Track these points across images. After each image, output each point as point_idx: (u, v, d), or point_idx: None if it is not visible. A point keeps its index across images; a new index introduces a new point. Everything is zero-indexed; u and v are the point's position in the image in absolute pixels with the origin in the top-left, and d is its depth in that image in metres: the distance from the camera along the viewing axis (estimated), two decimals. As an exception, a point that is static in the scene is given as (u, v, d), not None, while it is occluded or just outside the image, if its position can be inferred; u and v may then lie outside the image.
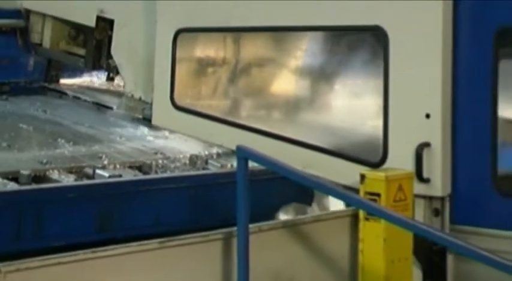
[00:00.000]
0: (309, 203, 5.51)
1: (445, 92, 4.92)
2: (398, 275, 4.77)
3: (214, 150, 5.69)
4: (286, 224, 4.85)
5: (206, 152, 5.66)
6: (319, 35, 5.65)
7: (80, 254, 4.05)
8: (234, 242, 4.45)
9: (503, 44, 4.92)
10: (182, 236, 4.42)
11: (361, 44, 5.38)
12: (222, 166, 5.51)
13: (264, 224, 4.84)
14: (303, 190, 5.36)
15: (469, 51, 4.95)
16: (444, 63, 4.92)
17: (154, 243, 4.29)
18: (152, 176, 5.33)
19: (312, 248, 4.83)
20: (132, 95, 6.34)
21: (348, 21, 5.27)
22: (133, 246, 4.25)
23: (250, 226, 4.52)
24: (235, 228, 4.45)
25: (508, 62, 4.94)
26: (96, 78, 7.23)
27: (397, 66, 5.03)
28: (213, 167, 5.52)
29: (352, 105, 5.51)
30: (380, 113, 5.10)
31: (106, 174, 5.18)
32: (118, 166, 5.31)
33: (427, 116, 4.92)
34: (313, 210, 5.56)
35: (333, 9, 5.31)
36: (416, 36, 5.02)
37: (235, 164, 5.27)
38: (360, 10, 5.19)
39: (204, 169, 5.51)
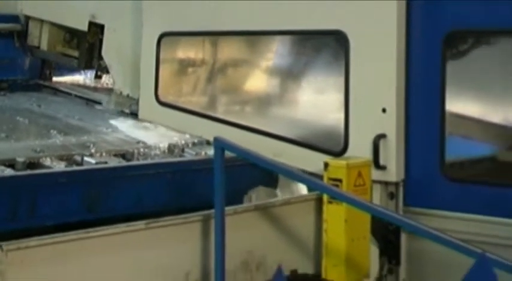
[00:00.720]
0: (274, 187, 5.51)
1: (399, 89, 4.94)
2: (358, 252, 4.80)
3: (190, 140, 5.69)
4: (258, 207, 4.87)
5: (183, 142, 5.64)
6: (287, 38, 5.66)
7: (74, 234, 4.08)
8: (212, 223, 4.49)
9: (451, 45, 4.94)
10: (166, 218, 4.45)
11: (325, 46, 5.39)
12: (196, 154, 5.53)
13: (239, 207, 4.87)
14: (269, 175, 5.38)
15: (420, 52, 4.95)
16: (398, 63, 4.94)
17: (141, 224, 4.32)
18: (134, 162, 5.33)
19: (281, 228, 4.86)
20: (121, 92, 6.35)
21: (313, 26, 5.27)
22: (122, 227, 4.27)
23: (226, 208, 4.54)
24: (212, 210, 4.47)
25: (454, 62, 4.96)
26: (85, 77, 7.17)
27: (357, 66, 5.05)
28: (189, 155, 5.54)
29: (317, 101, 5.50)
30: (341, 108, 5.11)
31: (93, 161, 5.18)
32: (104, 154, 5.29)
33: (383, 110, 4.95)
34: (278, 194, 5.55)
35: (300, 15, 5.30)
36: (373, 39, 5.02)
37: (208, 152, 5.42)
38: (324, 16, 5.20)
39: (180, 156, 5.52)
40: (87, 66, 6.74)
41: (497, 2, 4.75)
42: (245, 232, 4.68)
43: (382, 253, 4.98)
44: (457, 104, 5.01)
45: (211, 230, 4.50)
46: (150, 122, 6.02)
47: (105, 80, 6.96)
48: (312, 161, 5.04)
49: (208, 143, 5.62)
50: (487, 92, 5.18)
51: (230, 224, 4.49)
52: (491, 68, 5.09)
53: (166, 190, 5.18)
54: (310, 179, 4.73)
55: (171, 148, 5.56)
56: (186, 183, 5.24)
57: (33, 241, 3.93)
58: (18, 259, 3.81)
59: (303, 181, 4.87)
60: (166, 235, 4.40)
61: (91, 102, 6.66)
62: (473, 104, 5.21)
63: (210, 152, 5.39)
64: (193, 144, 5.66)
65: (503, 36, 5.05)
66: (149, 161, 5.38)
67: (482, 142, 5.25)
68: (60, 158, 5.11)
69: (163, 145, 5.58)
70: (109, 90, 6.69)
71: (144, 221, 4.36)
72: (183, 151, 5.57)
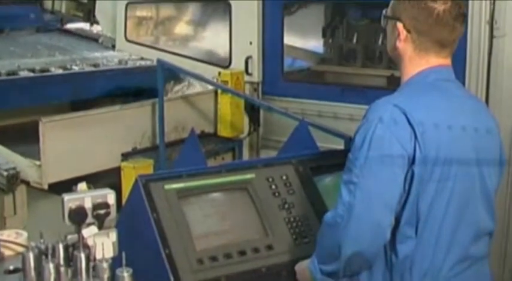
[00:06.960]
0: (181, 82, 5.41)
1: (259, 32, 5.01)
2: (237, 119, 4.98)
3: (132, 57, 5.70)
4: (183, 97, 5.01)
5: (126, 58, 5.68)
6: (198, 3, 5.66)
7: (83, 112, 4.33)
8: (157, 105, 4.63)
9: (286, 9, 5.04)
10: (131, 104, 4.61)
11: (219, 8, 5.34)
12: (134, 64, 5.61)
13: (172, 97, 5.02)
14: (177, 75, 5.35)
15: (270, 12, 4.99)
16: (258, 18, 5.00)
17: (117, 107, 4.54)
18: (100, 68, 5.38)
19: (196, 107, 4.97)
20: (106, 35, 6.23)
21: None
22: (108, 108, 4.51)
23: (165, 98, 4.72)
24: (157, 99, 4.61)
25: (288, 17, 5.04)
26: (82, 25, 7.00)
27: (236, 19, 5.10)
28: (129, 64, 5.61)
29: (215, 39, 5.49)
30: (228, 42, 5.18)
31: (77, 68, 5.27)
32: (84, 64, 5.35)
33: (250, 43, 5.03)
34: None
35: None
36: (244, 4, 5.04)
37: (142, 63, 5.58)
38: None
39: (125, 65, 5.61)
40: (88, 21, 6.67)
41: None
42: (175, 110, 4.75)
43: (250, 120, 5.06)
44: (289, 40, 5.09)
45: (156, 109, 4.63)
46: (121, 51, 5.90)
47: (94, 28, 6.79)
48: (212, 71, 5.07)
49: (142, 59, 5.66)
50: (305, 33, 5.33)
51: (167, 106, 4.62)
52: (307, 19, 5.31)
53: (116, 83, 5.25)
54: (212, 81, 4.88)
55: (121, 61, 5.61)
56: (127, 79, 5.33)
57: (58, 116, 4.09)
58: (51, 127, 3.95)
59: (209, 82, 4.91)
60: (132, 112, 4.56)
61: (86, 38, 6.58)
62: (298, 40, 5.37)
63: (141, 63, 5.57)
64: (132, 59, 5.68)
65: (311, 4, 5.26)
66: (107, 67, 5.42)
67: (302, 60, 5.51)
68: (60, 67, 5.18)
69: (116, 59, 5.64)
70: (97, 35, 6.58)
71: (119, 105, 4.55)
72: (126, 62, 5.60)
